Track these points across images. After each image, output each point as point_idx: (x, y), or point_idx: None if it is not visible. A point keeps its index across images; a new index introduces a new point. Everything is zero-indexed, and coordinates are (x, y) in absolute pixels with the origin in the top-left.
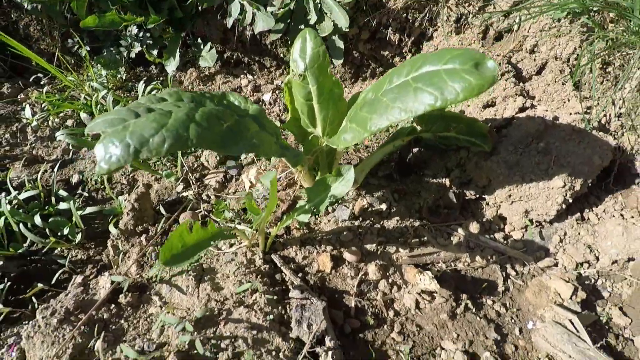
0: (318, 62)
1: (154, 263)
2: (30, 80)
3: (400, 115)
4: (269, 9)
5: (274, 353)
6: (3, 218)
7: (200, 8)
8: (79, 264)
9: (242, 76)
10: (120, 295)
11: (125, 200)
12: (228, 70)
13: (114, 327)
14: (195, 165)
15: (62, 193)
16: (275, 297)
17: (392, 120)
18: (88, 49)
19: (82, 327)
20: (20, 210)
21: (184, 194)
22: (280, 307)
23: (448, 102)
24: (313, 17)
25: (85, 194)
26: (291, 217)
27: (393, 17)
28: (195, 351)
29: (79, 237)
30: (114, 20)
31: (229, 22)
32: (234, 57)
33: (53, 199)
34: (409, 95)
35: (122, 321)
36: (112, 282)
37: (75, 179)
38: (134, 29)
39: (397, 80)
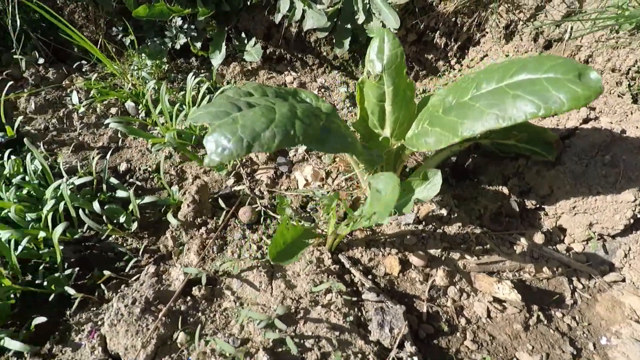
0: (395, 63)
1: (215, 256)
2: (74, 66)
3: (497, 122)
4: (319, 6)
5: (360, 356)
6: (62, 203)
7: (248, 3)
8: (134, 253)
9: (285, 73)
10: (194, 288)
11: (180, 192)
12: (271, 66)
13: (191, 319)
14: (245, 160)
15: (113, 181)
16: (351, 299)
17: (488, 126)
18: (133, 37)
19: (164, 318)
20: (78, 196)
21: (236, 187)
22: (355, 309)
23: (552, 112)
24: (361, 17)
25: (138, 182)
26: (368, 219)
27: (442, 21)
28: (281, 349)
29: (134, 225)
30: (163, 11)
31: (277, 18)
32: (277, 53)
33: (104, 186)
34: (507, 103)
35: (199, 314)
36: (186, 274)
37: (123, 167)
38: (178, 21)
39: (488, 87)
